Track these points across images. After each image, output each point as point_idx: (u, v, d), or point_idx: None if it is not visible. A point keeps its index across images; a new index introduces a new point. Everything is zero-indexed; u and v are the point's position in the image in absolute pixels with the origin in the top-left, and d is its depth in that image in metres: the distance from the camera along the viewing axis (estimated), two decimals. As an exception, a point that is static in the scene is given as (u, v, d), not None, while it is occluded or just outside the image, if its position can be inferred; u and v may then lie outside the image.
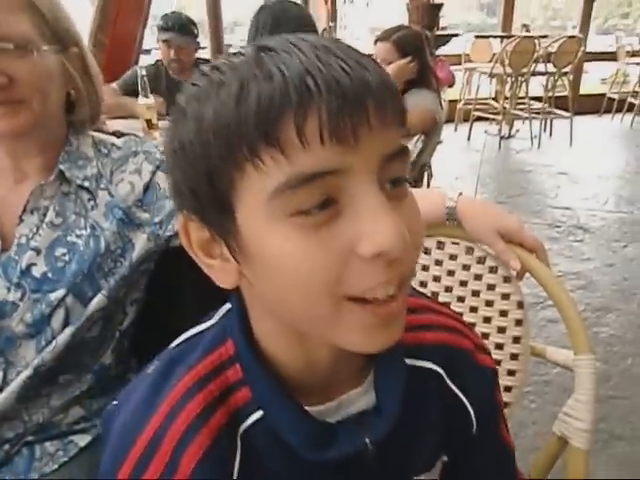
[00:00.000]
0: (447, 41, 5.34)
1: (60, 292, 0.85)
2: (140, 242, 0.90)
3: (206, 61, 2.98)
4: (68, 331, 0.86)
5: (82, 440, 0.92)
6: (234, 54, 0.43)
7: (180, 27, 2.77)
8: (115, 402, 0.54)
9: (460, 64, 6.19)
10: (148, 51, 3.27)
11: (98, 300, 0.87)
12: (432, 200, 0.88)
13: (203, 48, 4.71)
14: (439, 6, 5.41)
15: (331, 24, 5.91)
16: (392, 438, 0.51)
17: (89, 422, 0.93)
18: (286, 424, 0.48)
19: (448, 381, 0.58)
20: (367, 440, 0.50)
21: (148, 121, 2.16)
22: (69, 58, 0.86)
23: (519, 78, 5.68)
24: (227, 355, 0.51)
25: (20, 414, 0.88)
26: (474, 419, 0.60)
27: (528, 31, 6.41)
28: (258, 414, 0.50)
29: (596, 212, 3.92)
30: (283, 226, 0.40)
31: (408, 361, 0.55)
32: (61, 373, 0.89)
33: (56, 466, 0.88)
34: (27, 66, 0.79)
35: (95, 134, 0.95)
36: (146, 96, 2.17)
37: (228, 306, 0.55)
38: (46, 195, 0.87)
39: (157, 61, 2.90)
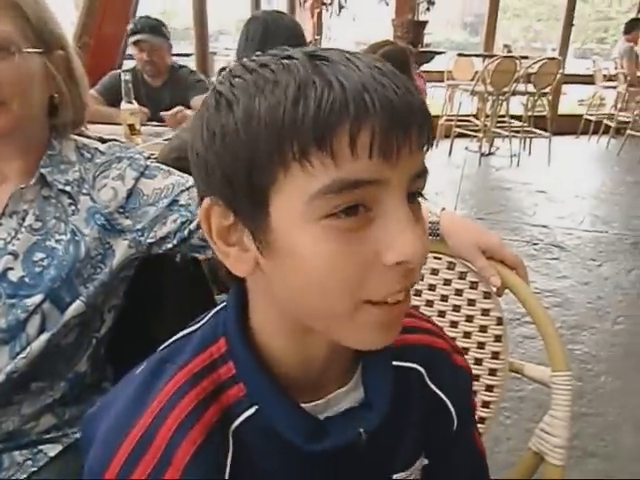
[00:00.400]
0: (431, 58, 5.41)
1: (37, 297, 0.83)
2: (121, 249, 0.89)
3: (181, 67, 2.96)
4: (43, 337, 0.84)
5: (52, 450, 0.89)
6: (282, 57, 0.45)
7: (151, 28, 2.76)
8: (98, 404, 0.54)
9: (443, 81, 6.28)
10: (131, 56, 3.25)
11: (76, 306, 0.85)
12: None
13: (188, 55, 4.74)
14: (424, 23, 5.49)
15: (317, 37, 5.96)
16: (381, 433, 0.53)
17: (60, 431, 0.91)
18: (281, 418, 0.49)
19: (427, 380, 0.61)
20: (361, 430, 0.52)
21: (131, 126, 2.14)
22: (53, 61, 0.85)
23: (500, 97, 5.77)
24: (219, 353, 0.51)
25: None
26: (455, 417, 0.62)
27: (510, 51, 6.53)
28: (251, 410, 0.50)
29: (572, 231, 3.98)
30: (316, 227, 0.42)
31: (393, 362, 0.57)
32: (34, 380, 0.87)
33: (24, 476, 0.86)
34: (8, 67, 0.78)
35: (78, 138, 0.94)
36: (129, 102, 2.16)
37: (218, 307, 0.55)
38: (26, 199, 0.86)
39: (134, 67, 2.89)
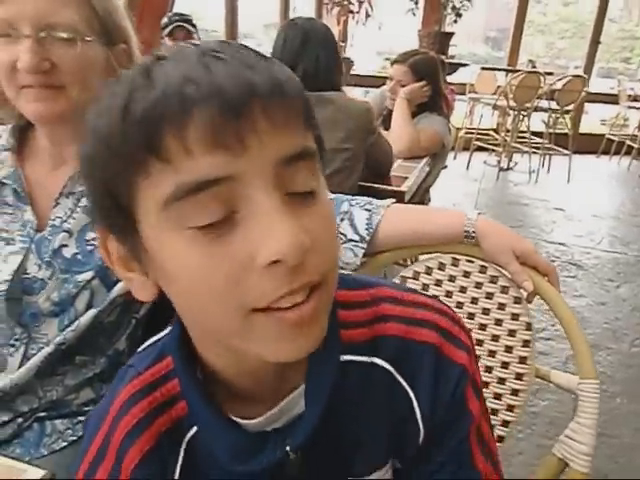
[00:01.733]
0: (455, 70, 5.41)
1: (87, 274, 0.88)
2: None
3: None
4: (91, 313, 0.88)
5: None
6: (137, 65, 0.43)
7: (183, 20, 3.05)
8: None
9: (465, 94, 6.28)
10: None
11: (121, 286, 0.90)
12: (452, 218, 0.90)
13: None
14: (450, 35, 5.50)
15: (342, 44, 5.99)
16: (321, 442, 0.51)
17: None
18: (216, 438, 0.49)
19: (397, 376, 0.54)
20: (287, 448, 0.49)
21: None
22: (115, 53, 0.89)
23: (522, 112, 5.76)
24: (170, 367, 0.52)
25: (36, 389, 0.90)
26: (421, 425, 0.54)
27: (534, 67, 6.51)
28: (194, 428, 0.51)
29: (590, 250, 3.95)
30: (180, 238, 0.39)
31: (355, 358, 0.53)
32: (78, 353, 0.91)
33: (65, 444, 0.91)
34: (71, 54, 0.82)
35: None
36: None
37: None
38: (82, 181, 0.89)
39: None
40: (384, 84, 2.55)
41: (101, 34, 0.86)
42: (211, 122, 0.37)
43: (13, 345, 0.88)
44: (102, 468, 0.50)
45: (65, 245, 0.88)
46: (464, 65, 5.60)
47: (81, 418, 0.93)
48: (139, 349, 0.57)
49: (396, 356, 0.54)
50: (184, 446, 0.50)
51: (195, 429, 0.50)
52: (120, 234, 0.44)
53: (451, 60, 5.38)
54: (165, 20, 3.05)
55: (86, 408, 0.94)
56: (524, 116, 5.83)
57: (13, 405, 0.89)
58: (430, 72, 2.38)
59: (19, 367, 0.88)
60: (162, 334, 0.55)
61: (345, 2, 5.78)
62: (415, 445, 0.55)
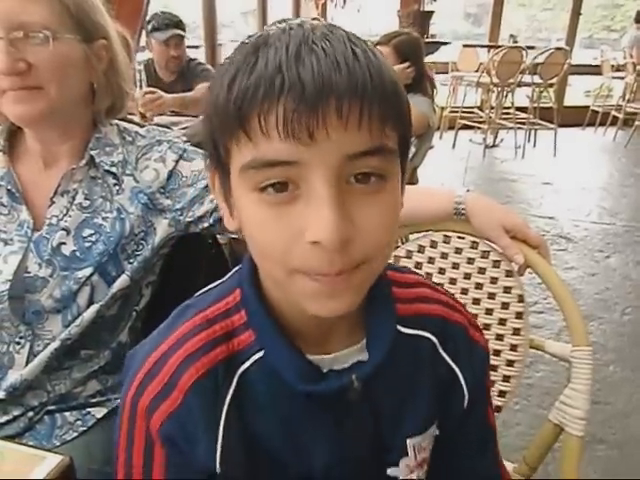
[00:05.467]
0: (437, 49, 5.40)
1: (87, 270, 0.89)
2: (161, 227, 0.94)
3: (191, 60, 2.96)
4: (93, 308, 0.90)
5: (99, 412, 0.96)
6: (247, 41, 0.48)
7: (175, 24, 2.80)
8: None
9: (447, 72, 6.26)
10: (143, 48, 3.28)
11: (122, 280, 0.92)
12: (441, 196, 0.92)
13: (197, 47, 4.75)
14: (430, 14, 5.48)
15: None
16: (380, 386, 0.57)
17: (104, 396, 0.97)
18: (284, 362, 0.53)
19: (441, 351, 0.62)
20: (353, 376, 0.55)
21: (142, 115, 2.17)
22: (94, 49, 0.89)
23: (505, 88, 5.75)
24: (234, 302, 0.57)
25: (44, 384, 0.92)
26: (466, 392, 0.63)
27: (516, 42, 6.49)
28: (259, 354, 0.55)
29: (579, 222, 3.98)
30: (250, 197, 0.46)
31: (403, 329, 0.59)
32: (83, 348, 0.94)
33: (76, 434, 0.93)
34: (46, 53, 0.81)
35: (120, 122, 0.99)
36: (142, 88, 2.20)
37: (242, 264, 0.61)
38: (75, 179, 0.91)
39: (148, 60, 2.89)
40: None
41: (76, 31, 0.85)
42: (286, 114, 0.42)
43: (19, 343, 0.90)
44: (153, 384, 0.54)
45: (63, 243, 0.89)
46: (445, 43, 5.58)
47: (90, 409, 0.95)
48: (196, 294, 0.61)
49: (439, 333, 0.62)
50: (236, 379, 0.54)
51: (255, 358, 0.55)
52: (220, 176, 0.51)
53: (432, 39, 5.37)
54: (154, 23, 2.80)
55: (93, 400, 0.96)
56: (508, 92, 5.83)
57: (24, 400, 0.91)
58: (413, 53, 2.38)
59: (26, 363, 0.90)
60: (220, 281, 0.61)
61: (323, -14, 5.75)
62: (461, 408, 0.63)
